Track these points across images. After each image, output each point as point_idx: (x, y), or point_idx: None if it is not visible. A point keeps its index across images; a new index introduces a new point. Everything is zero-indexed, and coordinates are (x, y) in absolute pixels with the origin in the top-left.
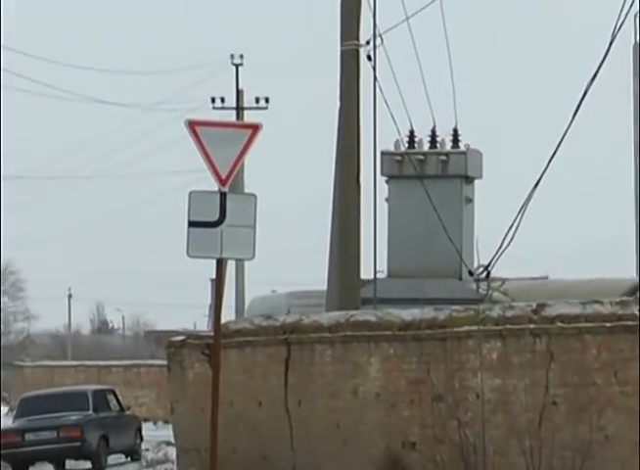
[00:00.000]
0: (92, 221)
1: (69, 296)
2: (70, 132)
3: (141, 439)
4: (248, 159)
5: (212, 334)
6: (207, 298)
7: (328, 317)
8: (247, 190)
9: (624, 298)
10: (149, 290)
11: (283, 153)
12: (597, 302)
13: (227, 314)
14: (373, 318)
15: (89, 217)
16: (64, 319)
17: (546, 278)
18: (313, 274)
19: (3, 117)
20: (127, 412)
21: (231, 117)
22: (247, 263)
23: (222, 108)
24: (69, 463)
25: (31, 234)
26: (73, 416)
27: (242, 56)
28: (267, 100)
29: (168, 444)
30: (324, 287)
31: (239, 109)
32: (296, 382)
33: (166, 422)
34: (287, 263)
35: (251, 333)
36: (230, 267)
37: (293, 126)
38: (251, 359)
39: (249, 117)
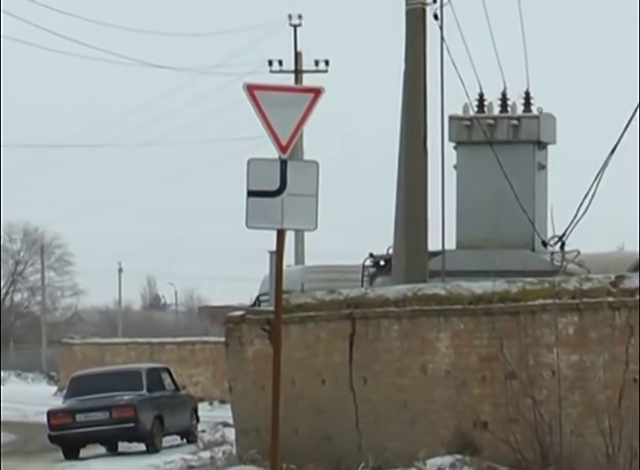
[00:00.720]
0: (144, 190)
1: (120, 270)
2: (120, 97)
3: (197, 420)
4: (306, 125)
5: (273, 309)
6: (265, 271)
7: (394, 291)
8: (305, 158)
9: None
10: (203, 263)
11: (344, 118)
12: None
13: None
14: (442, 291)
15: (140, 186)
16: (113, 294)
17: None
18: (377, 245)
19: (51, 81)
20: (182, 392)
21: (289, 80)
22: (306, 235)
23: (280, 71)
24: (122, 445)
25: (79, 204)
26: (126, 396)
27: (300, 16)
28: (327, 62)
29: (226, 425)
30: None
31: (297, 72)
32: (361, 359)
33: (223, 402)
34: (349, 235)
35: (314, 307)
36: (289, 239)
37: (354, 90)
38: (314, 335)
39: (308, 80)
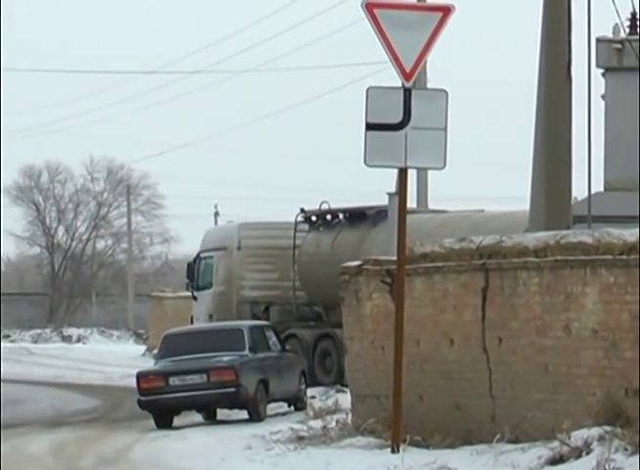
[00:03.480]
0: (246, 124)
1: (216, 214)
2: (221, 18)
3: (306, 384)
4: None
5: (395, 259)
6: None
7: (534, 238)
8: (429, 86)
9: None
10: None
11: (474, 41)
12: None
13: None
14: (589, 240)
15: (242, 119)
16: None
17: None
18: (513, 187)
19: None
20: (289, 353)
21: None
22: (430, 173)
23: None
24: (222, 413)
25: (171, 140)
26: (226, 357)
27: None
28: None
29: (339, 390)
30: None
31: None
32: (495, 316)
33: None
34: (479, 174)
35: (442, 257)
36: (410, 178)
37: (486, 8)
38: (441, 289)
39: None
